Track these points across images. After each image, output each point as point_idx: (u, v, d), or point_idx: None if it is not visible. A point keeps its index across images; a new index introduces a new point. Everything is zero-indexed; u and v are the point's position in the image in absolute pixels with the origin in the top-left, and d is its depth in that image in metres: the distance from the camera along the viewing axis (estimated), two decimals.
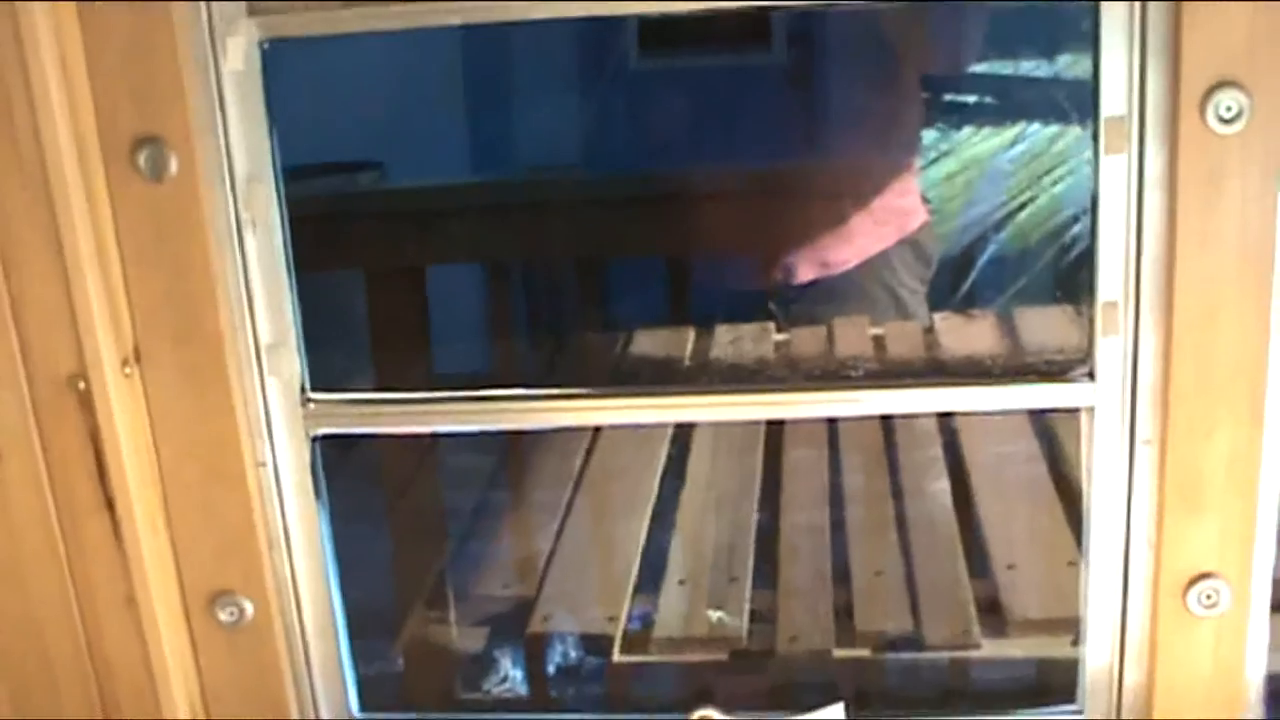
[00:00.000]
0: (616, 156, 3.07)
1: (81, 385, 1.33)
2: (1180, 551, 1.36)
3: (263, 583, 1.46)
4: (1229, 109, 1.21)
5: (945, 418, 2.55)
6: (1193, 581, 1.36)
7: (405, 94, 3.28)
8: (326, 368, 1.48)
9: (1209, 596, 1.37)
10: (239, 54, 1.32)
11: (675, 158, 2.86)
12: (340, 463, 1.66)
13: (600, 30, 2.97)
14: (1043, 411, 2.20)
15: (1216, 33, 1.20)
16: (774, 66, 2.90)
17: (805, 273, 2.80)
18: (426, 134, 3.26)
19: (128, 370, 1.36)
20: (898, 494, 2.44)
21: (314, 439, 1.45)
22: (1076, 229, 2.80)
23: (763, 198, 2.76)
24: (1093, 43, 1.26)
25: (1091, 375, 1.36)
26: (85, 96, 1.28)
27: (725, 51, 2.83)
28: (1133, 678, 1.44)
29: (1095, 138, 1.28)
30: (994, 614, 2.07)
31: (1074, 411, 1.40)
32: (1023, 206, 3.15)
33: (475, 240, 2.96)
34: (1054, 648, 1.93)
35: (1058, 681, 1.55)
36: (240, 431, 1.40)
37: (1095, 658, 1.46)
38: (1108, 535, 1.41)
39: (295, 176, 1.41)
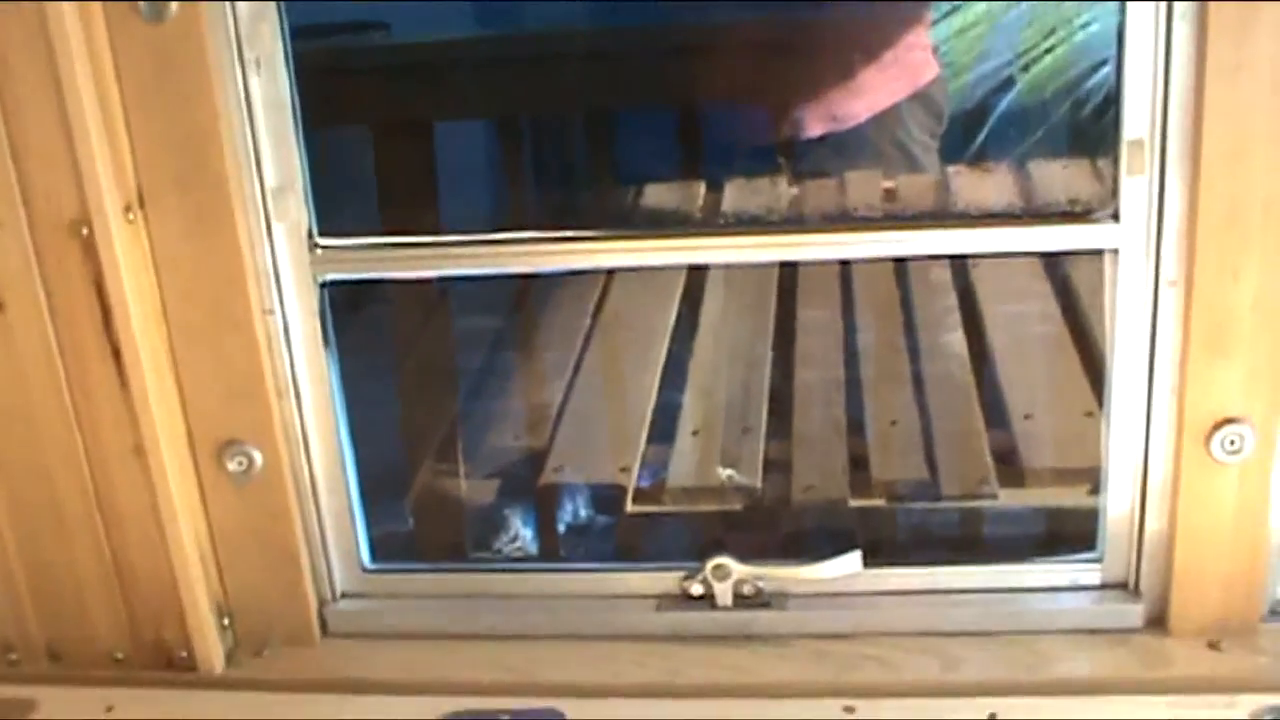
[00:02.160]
0: (623, 8, 3.02)
1: (85, 231, 1.31)
2: (1204, 396, 1.34)
3: (272, 432, 1.45)
4: None
5: (960, 270, 2.52)
6: (1217, 426, 1.35)
7: None
8: (335, 218, 1.46)
9: (1233, 442, 1.35)
10: None
11: (682, 8, 2.81)
12: (350, 319, 1.64)
13: None
14: (1062, 254, 2.18)
15: None
16: None
17: (814, 126, 2.77)
18: None
19: (131, 216, 1.33)
20: (913, 345, 2.42)
21: (322, 285, 1.43)
22: (1096, 79, 2.76)
23: (771, 50, 2.72)
24: None
25: (1116, 216, 1.34)
26: None
27: None
28: (1153, 525, 1.43)
29: None
30: (1010, 464, 2.06)
31: (1097, 254, 1.38)
32: (1038, 59, 3.10)
33: (482, 95, 2.92)
34: (1071, 497, 1.92)
35: (1075, 531, 1.55)
36: (247, 277, 1.38)
37: (1115, 506, 1.45)
38: (1130, 381, 1.39)
39: (301, 35, 1.38)
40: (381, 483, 1.82)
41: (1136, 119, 1.29)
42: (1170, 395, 1.37)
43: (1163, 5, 1.24)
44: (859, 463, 2.13)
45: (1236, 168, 1.25)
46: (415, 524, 2.29)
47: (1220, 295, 1.30)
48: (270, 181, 1.38)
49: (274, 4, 1.33)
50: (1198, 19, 1.23)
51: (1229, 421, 1.34)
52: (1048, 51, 3.11)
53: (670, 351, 2.47)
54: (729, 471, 2.11)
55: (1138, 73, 1.28)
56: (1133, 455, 1.42)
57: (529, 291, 2.74)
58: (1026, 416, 2.14)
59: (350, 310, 1.65)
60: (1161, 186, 1.30)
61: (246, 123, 1.35)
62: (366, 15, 3.27)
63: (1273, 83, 1.22)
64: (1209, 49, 1.22)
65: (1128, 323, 1.37)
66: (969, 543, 2.12)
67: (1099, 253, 1.37)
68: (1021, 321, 2.42)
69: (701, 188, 2.80)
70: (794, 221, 2.55)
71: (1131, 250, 1.34)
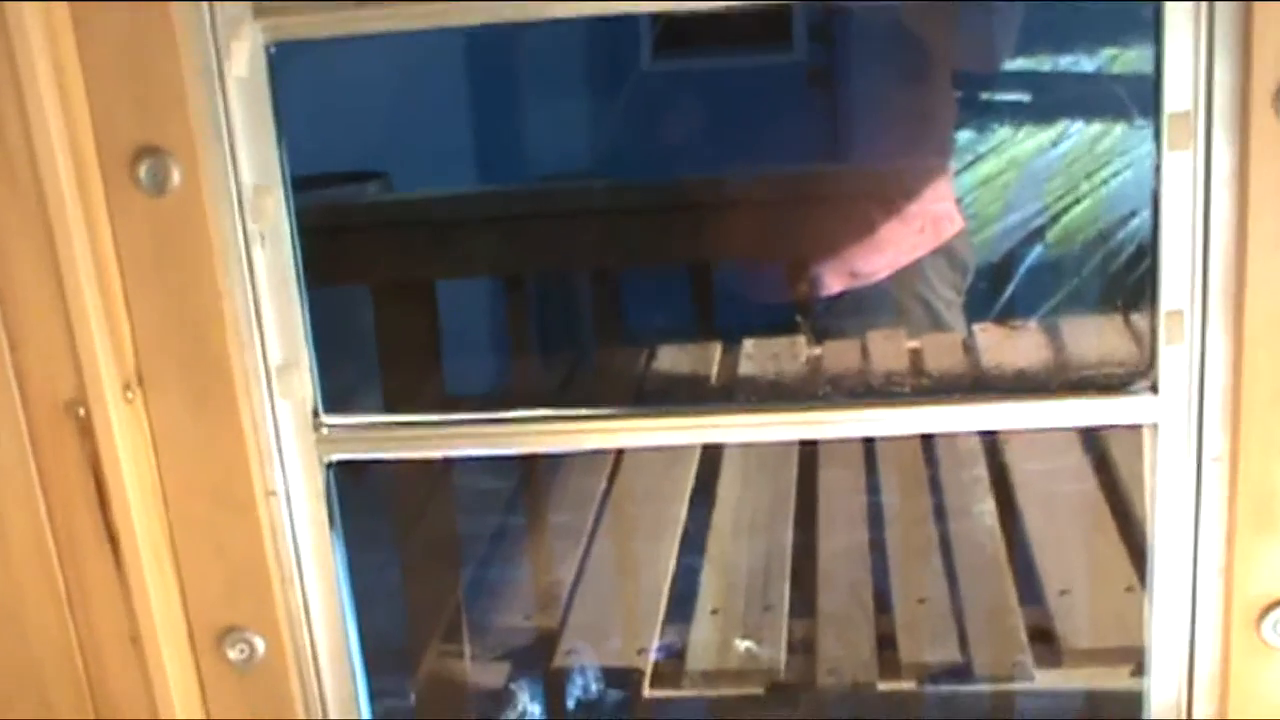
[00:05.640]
0: (634, 163, 3.06)
1: (81, 412, 1.31)
2: (1253, 577, 1.34)
3: (275, 618, 1.44)
4: None
5: (991, 437, 2.53)
6: (1267, 609, 1.34)
7: (411, 100, 3.27)
8: (337, 389, 1.46)
9: None
10: (244, 58, 1.30)
11: (695, 163, 2.85)
12: (352, 489, 1.64)
13: (613, 30, 2.96)
14: (1099, 429, 2.18)
15: None
16: (796, 65, 2.89)
17: (834, 284, 2.79)
18: (434, 141, 3.25)
19: (130, 395, 1.34)
20: (941, 516, 2.42)
21: (328, 465, 1.43)
22: (1127, 231, 2.78)
23: (787, 205, 2.75)
24: (1155, 38, 1.24)
25: (1154, 388, 1.34)
26: (81, 104, 1.26)
27: (745, 51, 2.82)
28: (1202, 712, 1.42)
29: (1158, 134, 1.26)
30: (1047, 643, 2.05)
31: (1134, 428, 1.38)
32: (1067, 209, 3.13)
33: (487, 253, 2.94)
34: (1112, 679, 1.90)
35: (1117, 715, 1.53)
36: (250, 458, 1.38)
37: (1161, 691, 1.44)
38: (1173, 560, 1.38)
39: (298, 187, 1.39)
40: (386, 662, 1.81)
41: (1175, 287, 1.30)
42: (1217, 575, 1.36)
43: (1200, 170, 1.25)
44: (886, 642, 2.12)
45: None
46: (420, 706, 2.27)
47: (1267, 472, 1.29)
48: (274, 359, 1.38)
49: (278, 173, 1.34)
50: (1237, 184, 1.24)
51: None
52: (1077, 202, 3.14)
53: (687, 523, 2.47)
54: (748, 644, 2.11)
55: (1175, 240, 1.28)
56: (1179, 636, 1.41)
57: (540, 460, 2.74)
58: (1063, 592, 2.13)
59: (352, 482, 1.65)
60: (1203, 357, 1.31)
61: (250, 298, 1.35)
62: (363, 165, 3.31)
63: None
64: (1250, 218, 1.23)
65: (1169, 499, 1.36)
66: None
67: (1137, 427, 1.37)
68: (1056, 491, 2.42)
69: (717, 349, 2.81)
70: (815, 397, 2.55)
71: (1172, 424, 1.34)
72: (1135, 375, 1.35)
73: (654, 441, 1.56)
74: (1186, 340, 1.30)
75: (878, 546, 2.36)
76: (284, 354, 1.39)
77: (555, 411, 1.46)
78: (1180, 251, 1.29)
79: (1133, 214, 2.71)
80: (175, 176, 1.28)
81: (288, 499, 1.42)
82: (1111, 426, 1.47)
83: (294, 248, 1.37)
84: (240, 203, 1.33)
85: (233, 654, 1.44)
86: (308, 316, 1.39)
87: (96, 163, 1.28)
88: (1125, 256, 2.79)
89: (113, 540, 1.35)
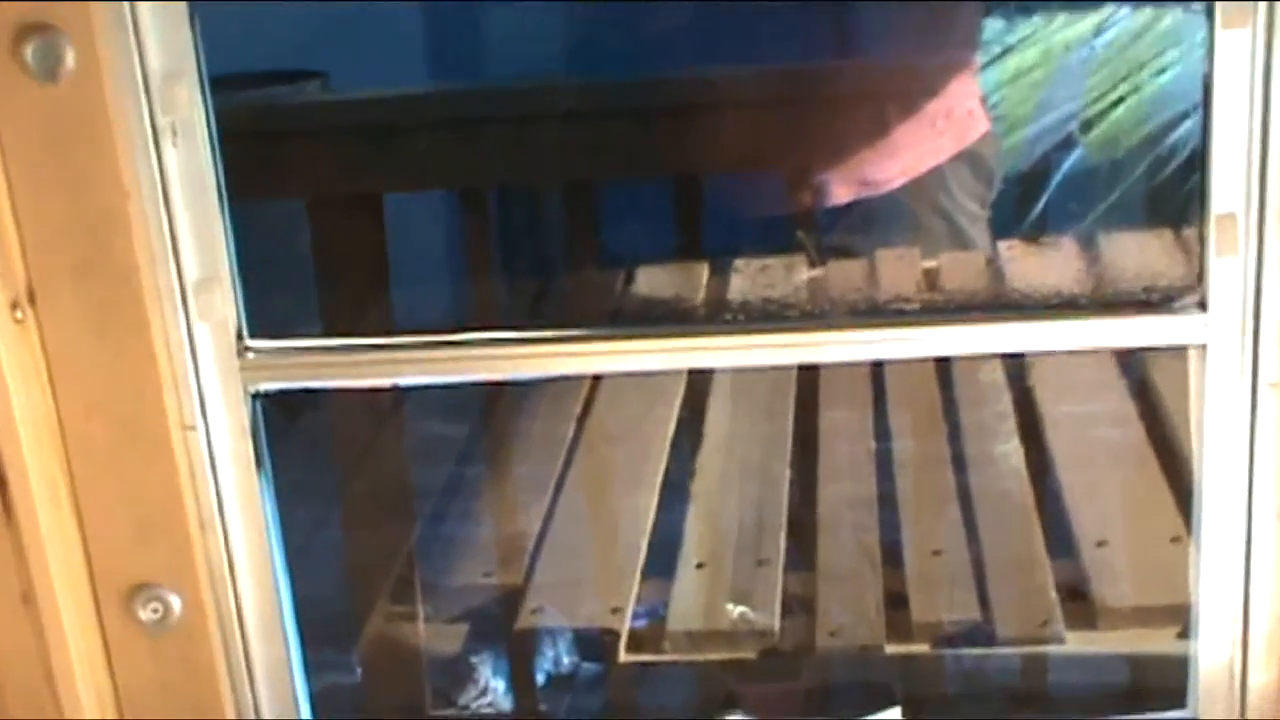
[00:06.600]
0: (609, 58, 3.04)
1: None
2: None
3: (193, 573, 1.43)
4: None
5: (1016, 368, 2.52)
6: None
7: None
8: (267, 312, 1.45)
9: None
10: None
11: (679, 58, 2.83)
12: (286, 430, 1.64)
13: None
14: (1138, 352, 2.18)
15: None
16: None
17: (841, 194, 2.78)
18: (380, 35, 3.23)
19: (19, 315, 1.32)
20: (959, 458, 2.42)
21: (254, 396, 1.42)
22: (1179, 134, 2.77)
23: (787, 104, 2.73)
24: None
25: (1203, 305, 1.33)
26: None
27: None
28: (1259, 678, 1.42)
29: (1210, 9, 1.24)
30: (1080, 601, 2.06)
31: (1180, 350, 1.37)
32: (1109, 109, 3.12)
33: (441, 162, 2.93)
34: (1155, 641, 1.91)
35: (1161, 683, 1.54)
36: (163, 387, 1.37)
37: (1210, 654, 1.44)
38: (1224, 504, 1.38)
39: (225, 87, 1.38)
40: (325, 628, 1.81)
41: (1227, 189, 1.29)
42: (1275, 520, 1.36)
43: (1259, 51, 1.24)
44: (896, 601, 2.12)
45: None
46: (365, 677, 2.27)
47: None
48: (191, 273, 1.37)
49: (192, 58, 1.33)
50: None
51: None
52: (1119, 102, 3.13)
53: (669, 468, 2.47)
54: (741, 610, 2.11)
55: (1228, 134, 1.28)
56: (1231, 591, 1.41)
57: (501, 395, 2.74)
58: (1099, 544, 2.14)
59: (286, 420, 1.64)
60: (1259, 269, 1.30)
61: (161, 202, 1.34)
62: (299, 63, 3.29)
63: None
64: None
65: (1220, 432, 1.36)
66: (1030, 697, 2.11)
67: (1183, 349, 1.37)
68: (1091, 428, 2.42)
69: (704, 271, 2.80)
70: (816, 315, 2.54)
71: (1222, 346, 1.34)
72: (1181, 290, 1.35)
73: (632, 366, 1.55)
74: (1240, 249, 1.30)
75: (886, 491, 2.36)
76: (202, 268, 1.37)
77: (519, 334, 1.45)
78: (1234, 146, 1.28)
79: (1185, 115, 2.69)
80: (69, 59, 1.26)
81: (207, 435, 1.41)
82: (1155, 349, 1.47)
83: (213, 147, 1.36)
84: (148, 91, 1.31)
85: (144, 614, 1.43)
86: (230, 226, 1.38)
87: None
88: (1176, 164, 2.78)
89: (1, 483, 1.34)
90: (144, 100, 1.31)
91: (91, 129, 1.28)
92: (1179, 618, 1.58)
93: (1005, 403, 2.51)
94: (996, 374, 2.55)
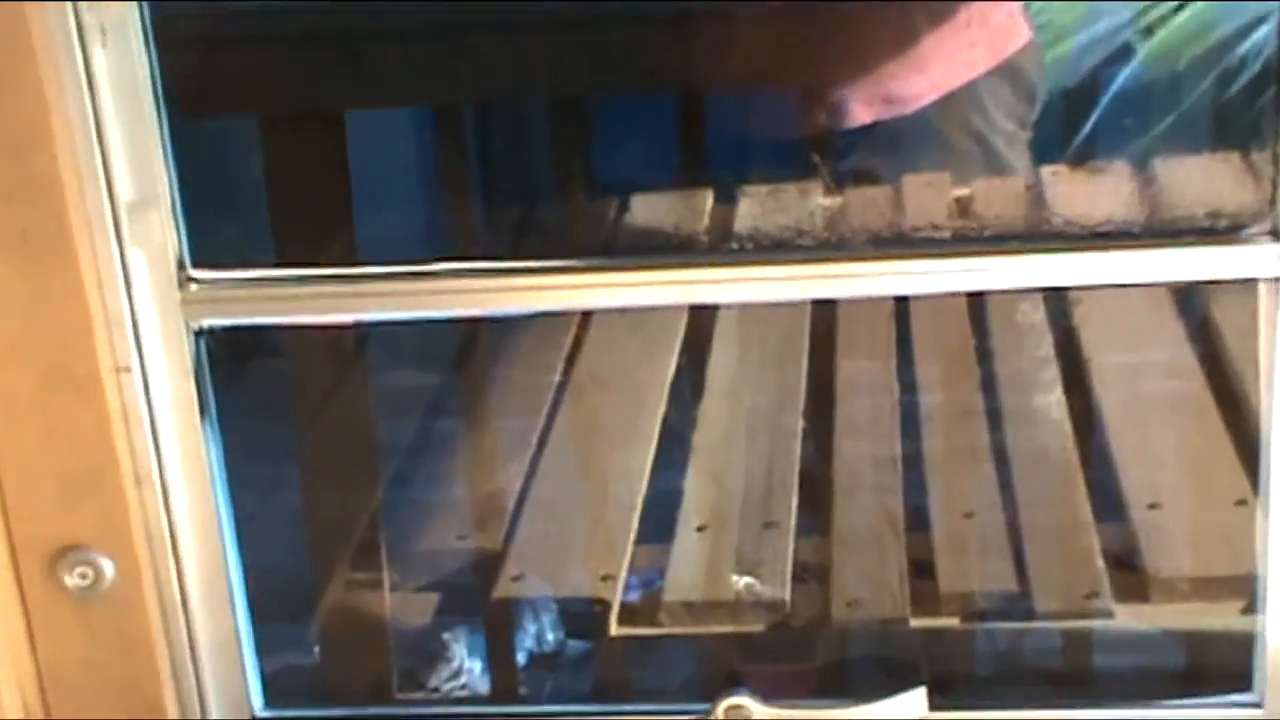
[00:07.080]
0: None
1: None
2: None
3: (127, 534, 1.43)
4: None
5: (1059, 308, 2.52)
6: None
7: None
8: (212, 238, 1.45)
9: None
10: None
11: None
12: (235, 374, 1.63)
13: None
14: (1202, 285, 2.18)
15: None
16: None
17: (861, 112, 2.77)
18: None
19: None
20: (994, 410, 2.42)
21: (197, 333, 1.42)
22: (1248, 45, 2.75)
23: (801, 11, 2.72)
24: None
25: (1275, 233, 1.33)
26: None
27: None
28: None
29: None
30: (1130, 571, 2.06)
31: (1248, 285, 1.37)
32: (1167, 17, 3.11)
33: (411, 75, 2.92)
34: (1215, 616, 1.91)
35: (1221, 661, 1.54)
36: (94, 323, 1.37)
37: (1278, 631, 1.44)
38: None
39: None
40: (279, 599, 1.81)
41: None
42: None
43: None
44: (922, 568, 2.13)
45: None
46: (324, 655, 2.28)
47: None
48: (125, 194, 1.36)
49: None
50: None
51: None
52: (1180, 8, 3.11)
53: (668, 418, 2.47)
54: (746, 579, 2.11)
55: None
56: None
57: (478, 336, 2.73)
58: (1152, 506, 2.14)
59: (234, 362, 1.64)
60: None
61: (90, 115, 1.33)
62: None
63: None
64: None
65: None
66: (1072, 679, 2.12)
67: (1252, 282, 1.36)
68: (1143, 376, 2.42)
69: (708, 199, 2.79)
70: (833, 245, 2.54)
71: None
72: (1251, 218, 1.34)
73: (626, 301, 1.55)
74: None
75: (911, 447, 2.36)
76: (137, 188, 1.37)
77: (498, 264, 1.45)
78: None
79: (1259, 20, 2.67)
80: None
81: (144, 377, 1.42)
82: (1218, 283, 1.47)
83: (149, 54, 1.35)
84: None
85: (70, 579, 1.43)
86: (169, 142, 1.38)
87: None
88: (1247, 77, 2.76)
89: None
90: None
91: (7, 31, 1.27)
92: (1243, 590, 1.59)
93: (1046, 347, 2.50)
94: (1037, 314, 2.54)
